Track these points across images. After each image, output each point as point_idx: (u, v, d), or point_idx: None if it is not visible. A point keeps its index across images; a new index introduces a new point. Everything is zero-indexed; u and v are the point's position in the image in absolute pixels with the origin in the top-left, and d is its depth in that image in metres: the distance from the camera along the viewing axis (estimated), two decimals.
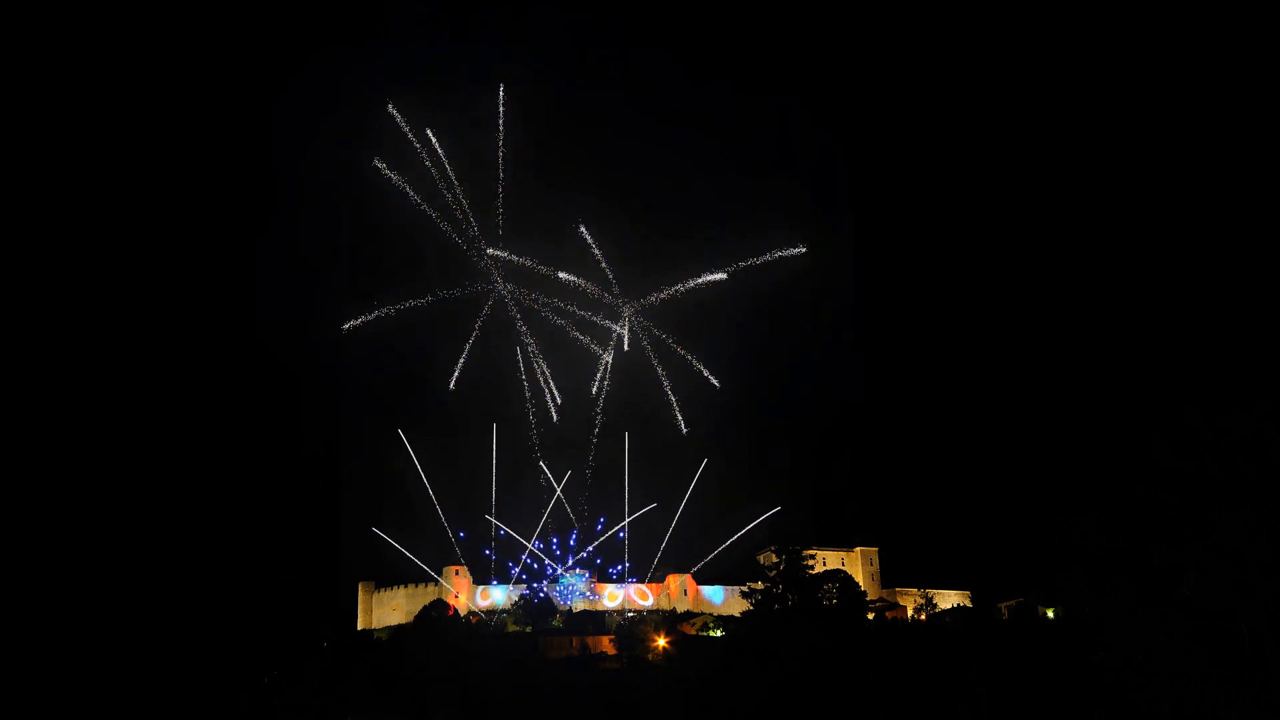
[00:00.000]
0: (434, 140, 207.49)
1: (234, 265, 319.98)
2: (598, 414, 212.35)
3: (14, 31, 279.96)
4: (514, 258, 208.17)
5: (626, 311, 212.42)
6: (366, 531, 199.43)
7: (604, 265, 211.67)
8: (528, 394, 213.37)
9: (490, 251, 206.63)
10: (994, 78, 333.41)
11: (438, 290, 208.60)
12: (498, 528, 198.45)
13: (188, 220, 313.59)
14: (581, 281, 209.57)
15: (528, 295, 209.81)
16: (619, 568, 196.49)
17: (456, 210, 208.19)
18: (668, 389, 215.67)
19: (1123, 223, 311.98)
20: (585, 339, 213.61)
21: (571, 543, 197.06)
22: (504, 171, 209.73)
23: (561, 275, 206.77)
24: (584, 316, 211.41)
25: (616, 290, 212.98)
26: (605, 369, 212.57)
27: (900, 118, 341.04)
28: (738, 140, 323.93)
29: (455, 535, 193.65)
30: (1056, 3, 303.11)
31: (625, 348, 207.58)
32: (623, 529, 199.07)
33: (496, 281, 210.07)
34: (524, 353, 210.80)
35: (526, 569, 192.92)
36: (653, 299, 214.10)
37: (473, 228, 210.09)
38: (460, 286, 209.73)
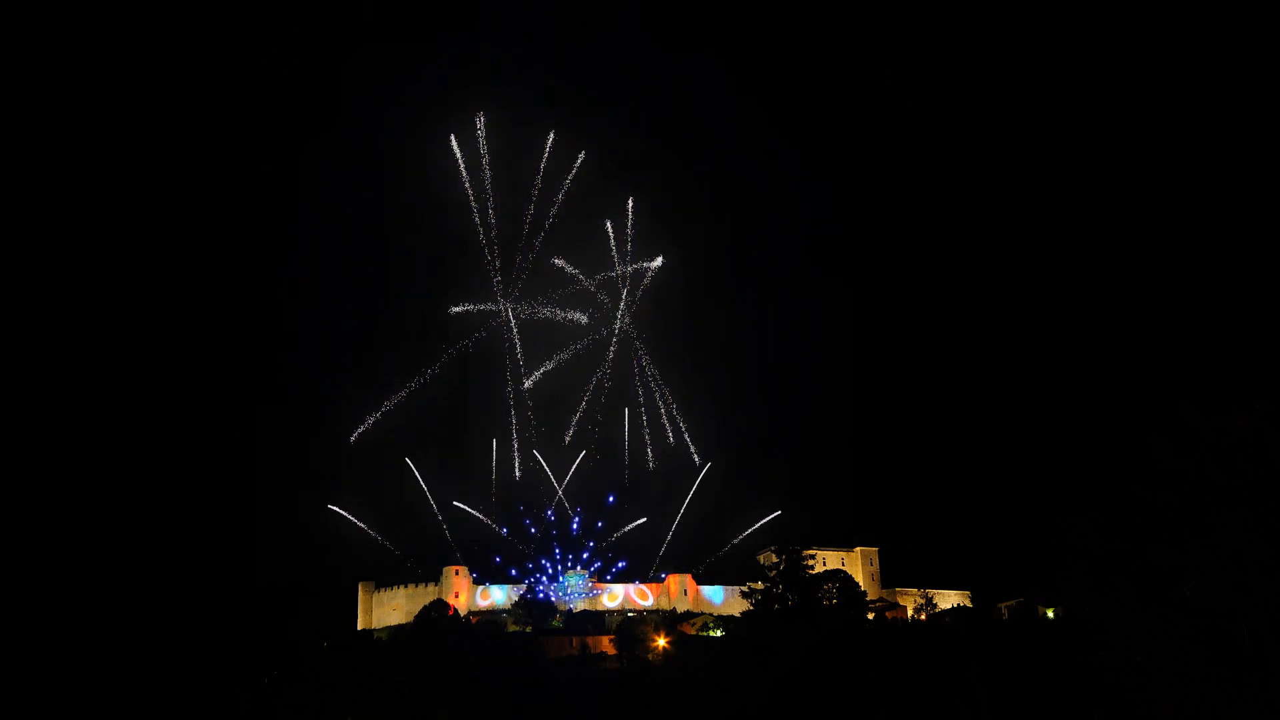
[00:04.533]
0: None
1: (237, 269, 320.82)
2: (595, 429, 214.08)
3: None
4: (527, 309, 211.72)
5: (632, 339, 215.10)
6: (366, 531, 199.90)
7: (622, 314, 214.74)
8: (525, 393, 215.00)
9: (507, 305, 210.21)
10: (995, 74, 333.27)
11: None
12: (498, 525, 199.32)
13: (204, 227, 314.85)
14: (579, 315, 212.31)
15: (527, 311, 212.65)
16: (620, 566, 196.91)
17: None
18: (664, 409, 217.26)
19: (1122, 223, 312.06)
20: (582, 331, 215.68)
21: (574, 527, 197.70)
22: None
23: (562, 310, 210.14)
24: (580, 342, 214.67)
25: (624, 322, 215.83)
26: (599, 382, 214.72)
27: (899, 116, 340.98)
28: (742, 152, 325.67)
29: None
30: (1055, 6, 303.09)
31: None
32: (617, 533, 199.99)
33: (503, 309, 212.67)
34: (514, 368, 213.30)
35: (524, 570, 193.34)
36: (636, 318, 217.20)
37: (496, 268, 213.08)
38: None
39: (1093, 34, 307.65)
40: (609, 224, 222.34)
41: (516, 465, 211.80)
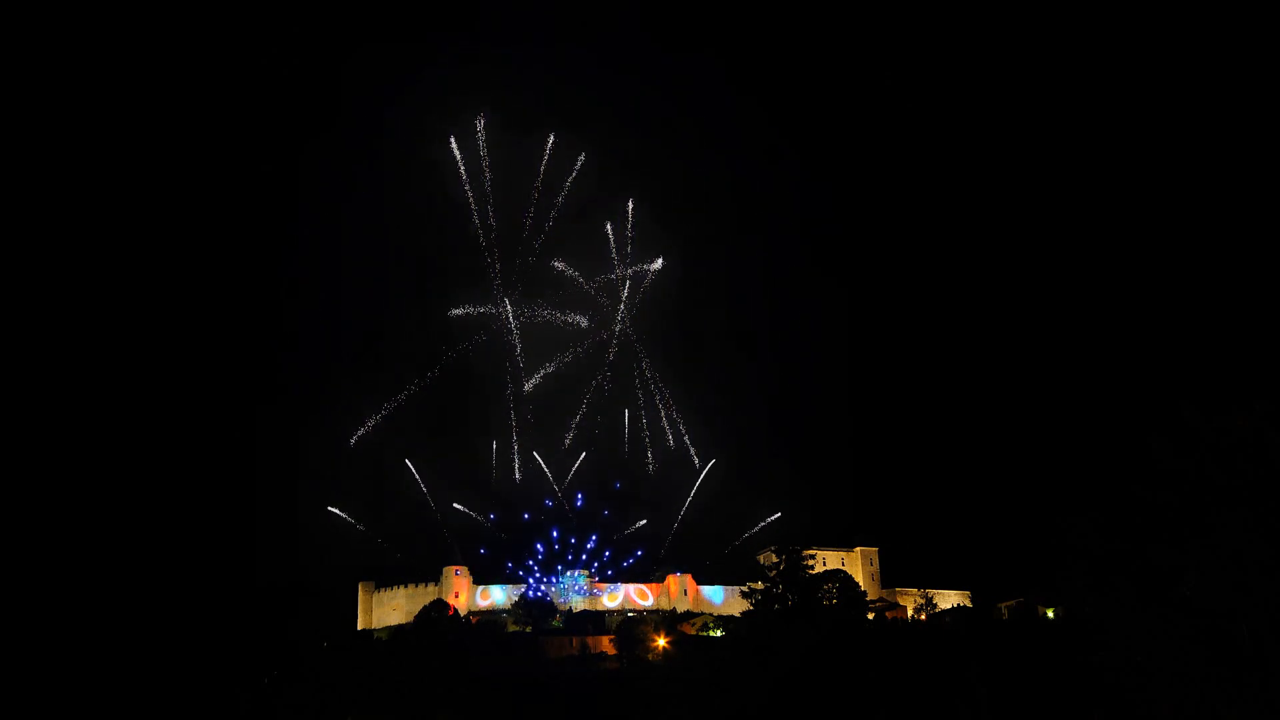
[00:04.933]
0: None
1: (241, 269, 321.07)
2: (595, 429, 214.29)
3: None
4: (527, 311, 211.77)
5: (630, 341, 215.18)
6: (366, 531, 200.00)
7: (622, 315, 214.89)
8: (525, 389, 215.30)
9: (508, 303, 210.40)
10: (994, 73, 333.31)
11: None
12: (485, 518, 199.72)
13: (205, 227, 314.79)
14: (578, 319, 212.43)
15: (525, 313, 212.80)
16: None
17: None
18: (663, 414, 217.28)
19: (1122, 223, 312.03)
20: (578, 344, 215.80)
21: (578, 503, 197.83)
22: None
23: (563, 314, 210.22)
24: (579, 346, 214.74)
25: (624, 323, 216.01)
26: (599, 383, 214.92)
27: (897, 114, 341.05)
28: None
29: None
30: (1054, 6, 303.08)
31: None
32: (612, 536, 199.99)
33: (503, 306, 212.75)
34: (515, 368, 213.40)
35: (525, 569, 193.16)
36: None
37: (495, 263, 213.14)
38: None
39: (1092, 33, 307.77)
40: (609, 226, 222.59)
41: (516, 468, 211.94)
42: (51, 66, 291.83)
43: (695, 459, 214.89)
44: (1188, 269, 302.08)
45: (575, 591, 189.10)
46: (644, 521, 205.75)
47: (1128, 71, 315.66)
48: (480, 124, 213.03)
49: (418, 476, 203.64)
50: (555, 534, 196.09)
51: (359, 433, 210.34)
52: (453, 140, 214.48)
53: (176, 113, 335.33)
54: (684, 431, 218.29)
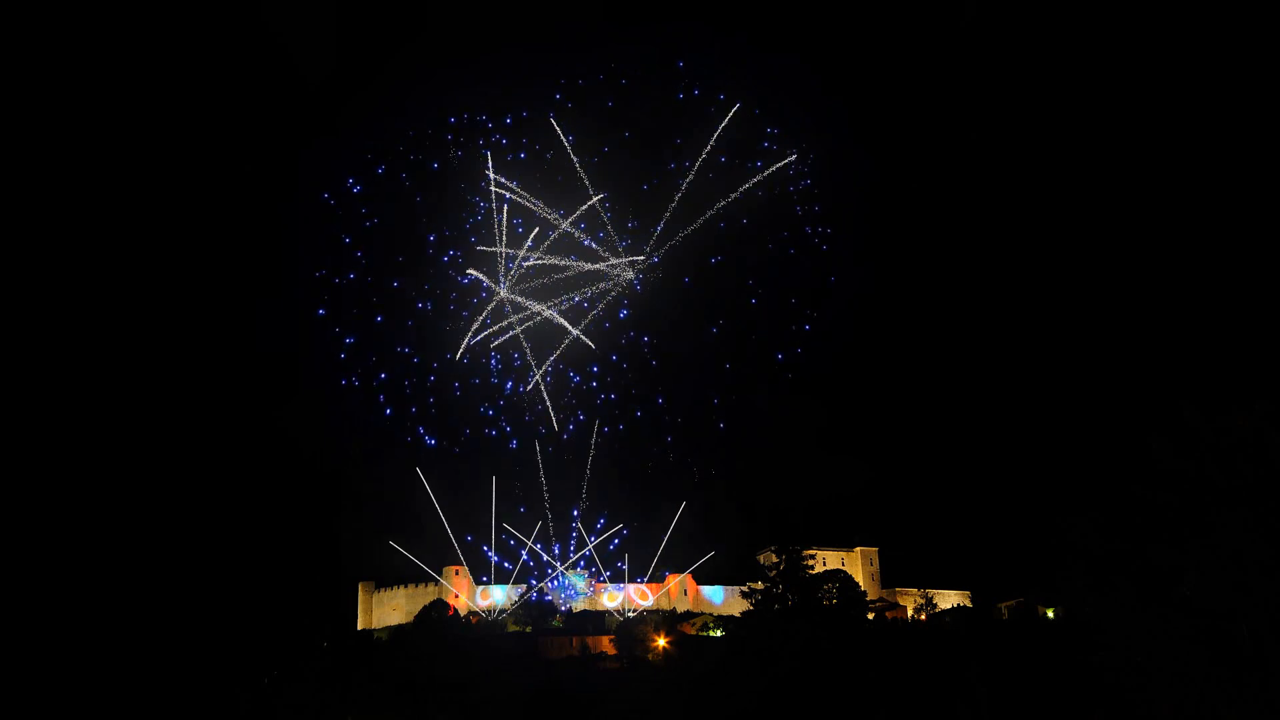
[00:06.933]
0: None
1: (239, 264, 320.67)
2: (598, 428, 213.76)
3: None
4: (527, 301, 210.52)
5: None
6: (367, 531, 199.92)
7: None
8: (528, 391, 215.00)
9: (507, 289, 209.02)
10: (994, 72, 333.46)
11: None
12: (499, 528, 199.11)
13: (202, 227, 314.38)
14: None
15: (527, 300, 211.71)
16: (618, 567, 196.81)
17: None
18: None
19: (1122, 222, 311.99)
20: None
21: (571, 543, 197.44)
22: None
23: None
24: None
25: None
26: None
27: (895, 114, 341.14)
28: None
29: (461, 539, 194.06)
30: (1054, 5, 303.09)
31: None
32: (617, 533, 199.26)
33: (503, 287, 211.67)
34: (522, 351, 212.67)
35: (524, 568, 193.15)
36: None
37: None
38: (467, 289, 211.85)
39: (1093, 31, 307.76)
40: (603, 230, 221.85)
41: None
42: (57, 69, 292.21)
43: (695, 469, 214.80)
44: (1188, 268, 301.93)
45: (575, 592, 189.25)
46: (643, 526, 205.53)
47: (1128, 68, 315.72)
48: (481, 140, 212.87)
49: (427, 485, 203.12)
50: (554, 534, 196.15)
51: (361, 443, 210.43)
52: (454, 148, 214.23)
53: (184, 116, 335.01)
54: (683, 443, 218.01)
